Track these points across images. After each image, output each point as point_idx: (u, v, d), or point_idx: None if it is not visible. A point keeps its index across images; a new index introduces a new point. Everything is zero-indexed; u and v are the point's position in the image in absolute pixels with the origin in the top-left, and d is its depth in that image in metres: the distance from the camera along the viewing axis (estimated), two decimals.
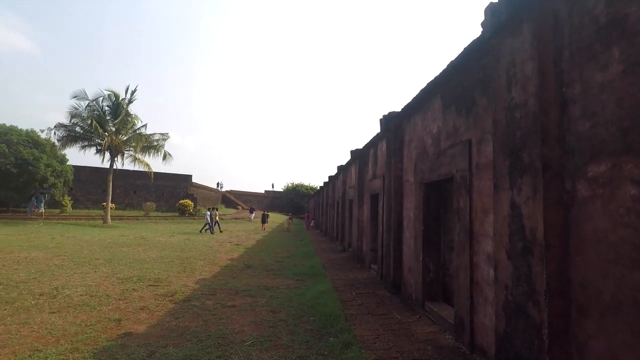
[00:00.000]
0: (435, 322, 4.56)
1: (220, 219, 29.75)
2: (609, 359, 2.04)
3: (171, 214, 30.83)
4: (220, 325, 4.57)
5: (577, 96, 2.33)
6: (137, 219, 25.86)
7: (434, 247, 5.14)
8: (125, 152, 24.33)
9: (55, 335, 4.10)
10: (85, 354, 3.63)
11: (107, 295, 5.83)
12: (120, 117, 23.33)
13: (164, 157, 25.34)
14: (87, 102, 22.74)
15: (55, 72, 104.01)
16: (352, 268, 9.19)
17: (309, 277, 8.04)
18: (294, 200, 60.13)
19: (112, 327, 4.45)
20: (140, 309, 5.20)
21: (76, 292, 5.98)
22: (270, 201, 62.47)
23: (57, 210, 26.32)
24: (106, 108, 23.62)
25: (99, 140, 22.83)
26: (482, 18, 3.27)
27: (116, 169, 24.46)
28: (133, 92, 24.20)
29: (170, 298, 5.86)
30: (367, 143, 9.31)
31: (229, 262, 9.97)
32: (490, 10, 3.11)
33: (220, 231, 20.48)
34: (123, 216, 26.71)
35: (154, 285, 6.68)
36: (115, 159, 23.72)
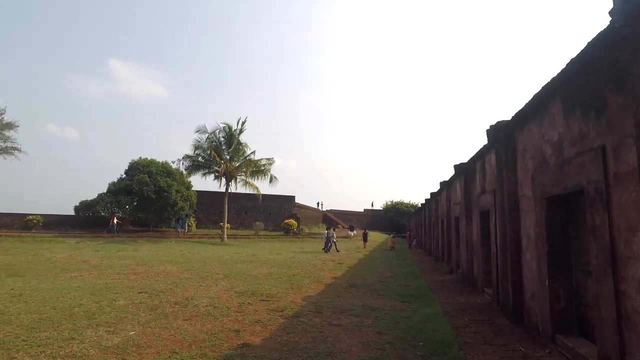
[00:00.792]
0: None
1: (322, 237, 30.67)
2: None
3: (277, 233, 32.89)
4: (328, 344, 4.64)
5: None
6: (248, 238, 28.23)
7: (564, 271, 4.47)
8: (238, 176, 27.03)
9: (188, 340, 4.65)
10: None
11: (227, 307, 6.42)
12: (233, 146, 26.19)
13: (271, 180, 27.44)
14: (206, 135, 26.11)
15: (181, 112, 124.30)
16: (462, 291, 8.53)
17: (415, 299, 7.70)
18: (394, 218, 58.89)
19: (232, 337, 4.87)
20: (255, 322, 5.60)
21: (202, 302, 6.73)
22: (370, 219, 62.26)
23: (184, 230, 30.28)
24: (222, 139, 26.74)
25: (217, 168, 25.83)
26: (606, 7, 2.85)
27: (230, 193, 27.27)
28: (243, 123, 27.00)
29: (281, 313, 6.19)
30: (473, 156, 8.71)
31: (333, 280, 10.15)
32: None
33: (337, 250, 20.61)
34: (237, 235, 29.43)
35: (265, 300, 7.15)
36: (230, 183, 26.49)
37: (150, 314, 5.80)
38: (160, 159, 30.06)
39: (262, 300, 7.18)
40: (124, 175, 28.81)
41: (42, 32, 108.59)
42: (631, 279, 2.90)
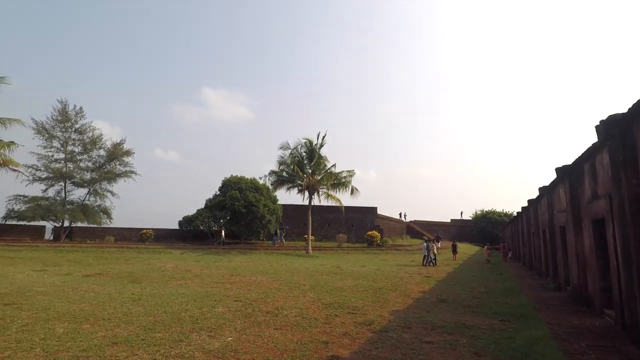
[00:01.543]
0: None
1: (406, 250, 29.70)
2: None
3: (360, 244, 32.73)
4: None
5: None
6: (332, 250, 28.57)
7: None
8: (320, 189, 27.69)
9: (280, 349, 4.82)
10: None
11: (315, 319, 6.53)
12: (314, 160, 27.02)
13: (352, 192, 27.58)
14: (289, 150, 27.39)
15: (265, 130, 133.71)
16: (575, 311, 7.48)
17: (517, 318, 6.97)
18: (485, 228, 54.55)
19: (320, 348, 4.92)
20: (343, 335, 5.59)
21: (291, 313, 6.95)
22: (458, 230, 58.54)
23: (271, 242, 31.85)
24: (303, 154, 27.77)
25: (300, 182, 26.83)
26: None
27: (313, 205, 28.02)
28: (323, 137, 27.75)
29: (368, 327, 6.09)
30: (580, 157, 7.70)
31: (421, 294, 9.71)
32: None
33: (435, 264, 19.02)
34: (321, 247, 30.01)
35: (352, 313, 7.11)
36: (313, 196, 27.26)
37: (245, 322, 6.16)
38: (248, 175, 32.29)
39: (349, 312, 7.16)
40: (218, 192, 31.51)
41: (151, 71, 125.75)
42: None
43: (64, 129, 30.34)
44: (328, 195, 27.60)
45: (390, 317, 6.89)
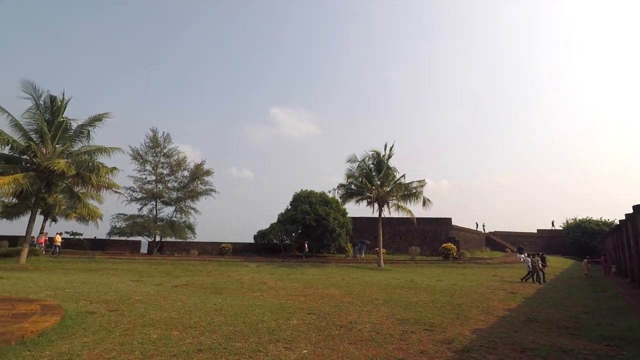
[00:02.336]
0: None
1: (487, 263, 27.58)
2: None
3: (435, 257, 31.21)
4: None
5: None
6: (404, 263, 27.65)
7: None
8: (390, 201, 27.13)
9: None
10: None
11: (390, 334, 6.33)
12: (383, 172, 26.65)
13: (424, 203, 26.56)
14: (357, 163, 27.40)
15: (332, 145, 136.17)
16: None
17: (629, 343, 6.03)
18: (580, 239, 48.70)
19: None
20: (421, 353, 5.32)
21: (365, 327, 6.82)
22: (546, 241, 52.94)
23: (343, 255, 31.83)
24: (371, 165, 27.57)
25: (369, 194, 26.58)
26: None
27: (384, 217, 27.51)
28: (391, 148, 27.33)
29: (448, 346, 5.73)
30: None
31: (506, 312, 8.91)
32: None
33: (543, 281, 16.92)
34: (393, 260, 29.21)
35: (429, 330, 6.75)
36: (382, 208, 26.79)
37: (319, 335, 6.18)
38: (317, 189, 32.91)
39: (426, 329, 6.81)
40: (290, 206, 32.54)
41: (223, 96, 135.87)
42: None
43: (154, 154, 33.99)
44: (398, 207, 26.91)
45: (472, 335, 6.41)
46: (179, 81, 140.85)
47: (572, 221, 53.09)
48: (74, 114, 22.84)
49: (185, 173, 35.09)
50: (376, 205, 26.76)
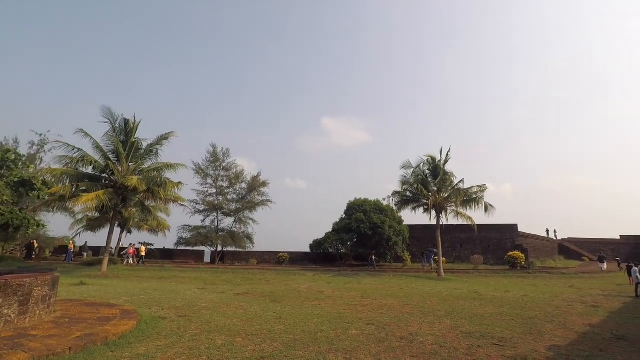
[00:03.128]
0: None
1: (561, 273, 25.27)
2: None
3: (500, 267, 29.22)
4: None
5: None
6: (467, 273, 26.22)
7: None
8: (448, 208, 26.02)
9: None
10: None
11: (454, 348, 6.01)
12: (439, 177, 25.69)
13: (486, 209, 25.12)
14: (411, 169, 26.70)
15: (385, 152, 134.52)
16: None
17: None
18: None
19: None
20: None
21: (427, 340, 6.54)
22: (632, 249, 47.28)
23: (400, 265, 30.99)
24: (427, 171, 26.71)
25: (425, 201, 25.73)
26: None
27: (442, 225, 26.41)
28: (447, 153, 26.31)
29: None
30: None
31: (588, 328, 8.05)
32: None
33: None
34: (454, 270, 27.85)
35: (498, 345, 6.31)
36: (440, 215, 25.76)
37: (380, 346, 6.05)
38: (371, 197, 32.54)
39: (494, 344, 6.37)
40: (344, 215, 32.51)
41: (275, 110, 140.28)
42: None
43: (214, 168, 35.94)
44: (457, 214, 25.71)
45: (549, 353, 5.87)
46: (233, 97, 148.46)
47: None
48: (141, 134, 24.95)
49: (243, 185, 36.61)
50: (433, 213, 25.80)
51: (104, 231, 26.28)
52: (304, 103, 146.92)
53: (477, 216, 26.11)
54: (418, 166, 26.72)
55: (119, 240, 31.03)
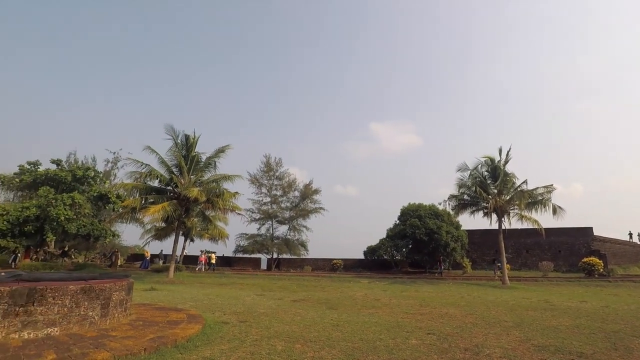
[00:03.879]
0: None
1: None
2: None
3: (574, 274, 26.73)
4: None
5: None
6: (535, 280, 24.33)
7: None
8: (510, 211, 24.44)
9: None
10: None
11: None
12: (499, 179, 24.25)
13: (554, 212, 23.23)
14: (468, 172, 25.50)
15: (437, 154, 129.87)
16: None
17: None
18: None
19: None
20: None
21: (495, 352, 6.14)
22: None
23: (460, 272, 29.57)
24: (485, 173, 25.35)
25: (485, 204, 24.40)
26: None
27: (505, 229, 24.84)
28: (507, 152, 24.82)
29: None
30: None
31: None
32: None
33: None
34: (520, 277, 25.99)
35: None
36: (502, 219, 24.25)
37: (442, 357, 5.79)
38: (426, 202, 31.54)
39: None
40: (398, 221, 31.84)
41: (322, 118, 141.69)
42: None
43: (268, 178, 37.14)
44: (521, 217, 24.05)
45: None
46: (282, 106, 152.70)
47: None
48: (200, 147, 26.51)
49: (296, 193, 37.39)
50: (494, 216, 24.38)
51: (170, 240, 28.21)
52: (350, 110, 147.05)
53: (544, 219, 24.44)
54: (475, 168, 25.47)
55: (183, 248, 33.05)
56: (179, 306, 10.42)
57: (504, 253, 24.21)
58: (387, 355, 5.78)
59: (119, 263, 32.30)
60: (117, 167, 40.02)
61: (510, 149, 24.85)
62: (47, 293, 5.95)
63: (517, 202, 23.67)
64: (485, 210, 24.58)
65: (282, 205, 36.99)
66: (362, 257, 34.03)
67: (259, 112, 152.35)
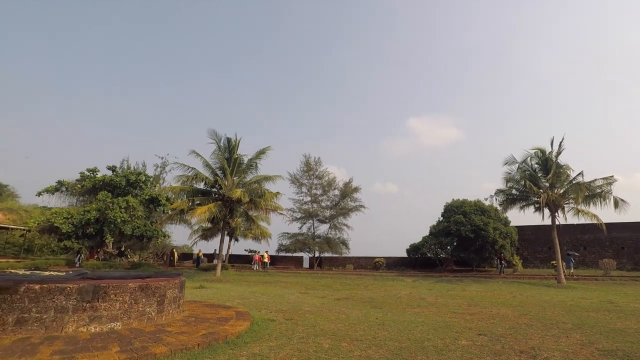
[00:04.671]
0: None
1: None
2: None
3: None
4: None
5: None
6: (595, 280, 22.63)
7: None
8: (565, 205, 22.93)
9: None
10: None
11: None
12: (551, 171, 22.80)
13: (616, 205, 21.50)
14: (516, 165, 24.22)
15: (481, 148, 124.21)
16: None
17: None
18: None
19: None
20: None
21: (554, 356, 5.79)
22: None
23: (510, 270, 28.15)
24: (535, 166, 23.97)
25: (536, 198, 23.08)
26: None
27: (559, 225, 23.35)
28: (560, 143, 23.27)
29: None
30: None
31: None
32: None
33: None
34: (578, 275, 24.30)
35: None
36: (556, 214, 22.81)
37: None
38: (470, 198, 30.36)
39: None
40: (441, 218, 30.92)
41: (358, 116, 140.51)
42: None
43: (308, 177, 37.49)
44: (578, 211, 22.48)
45: None
46: (321, 104, 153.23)
47: None
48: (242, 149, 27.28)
49: (336, 192, 37.44)
50: (547, 211, 22.98)
51: (216, 240, 29.30)
52: (387, 106, 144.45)
53: (604, 214, 22.57)
54: (524, 161, 24.15)
55: (229, 247, 34.22)
56: (227, 303, 10.80)
57: (559, 250, 22.73)
58: (436, 356, 5.64)
59: (175, 262, 34.15)
60: (165, 171, 42.23)
61: (563, 139, 23.31)
62: (110, 290, 6.40)
63: (572, 196, 22.13)
64: (537, 205, 23.25)
65: (323, 204, 37.21)
66: (405, 255, 33.40)
67: (294, 111, 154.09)
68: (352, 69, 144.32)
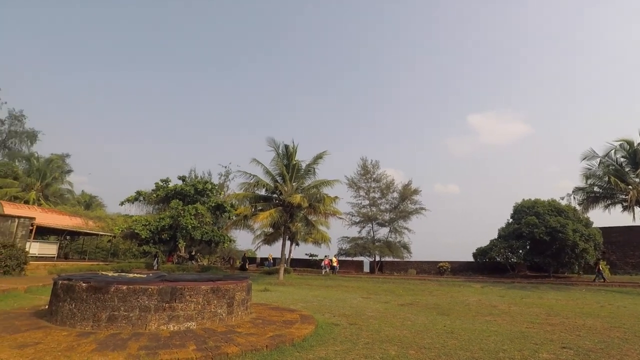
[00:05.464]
0: None
1: None
2: None
3: None
4: None
5: None
6: None
7: None
8: None
9: None
10: None
11: None
12: None
13: None
14: (597, 159, 21.91)
15: (553, 142, 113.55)
16: None
17: None
18: None
19: None
20: None
21: None
22: None
23: (592, 277, 25.34)
24: (621, 159, 21.48)
25: (623, 196, 20.65)
26: None
27: None
28: None
29: None
30: None
31: None
32: None
33: None
34: None
35: None
36: None
37: None
38: (543, 197, 27.93)
39: None
40: (511, 220, 28.83)
41: (413, 116, 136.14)
42: None
43: (365, 180, 37.16)
44: None
45: None
46: (374, 107, 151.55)
47: None
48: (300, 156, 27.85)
49: (395, 195, 36.63)
50: (638, 210, 20.38)
51: (278, 244, 30.19)
52: (445, 104, 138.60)
53: None
54: (607, 154, 21.79)
55: (290, 252, 35.04)
56: (291, 307, 11.03)
57: None
58: None
59: (235, 265, 35.84)
60: (229, 179, 44.52)
61: None
62: (185, 292, 6.86)
63: None
64: (625, 204, 20.81)
65: (382, 207, 36.62)
66: (471, 259, 31.59)
67: (349, 114, 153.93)
68: (404, 69, 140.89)
